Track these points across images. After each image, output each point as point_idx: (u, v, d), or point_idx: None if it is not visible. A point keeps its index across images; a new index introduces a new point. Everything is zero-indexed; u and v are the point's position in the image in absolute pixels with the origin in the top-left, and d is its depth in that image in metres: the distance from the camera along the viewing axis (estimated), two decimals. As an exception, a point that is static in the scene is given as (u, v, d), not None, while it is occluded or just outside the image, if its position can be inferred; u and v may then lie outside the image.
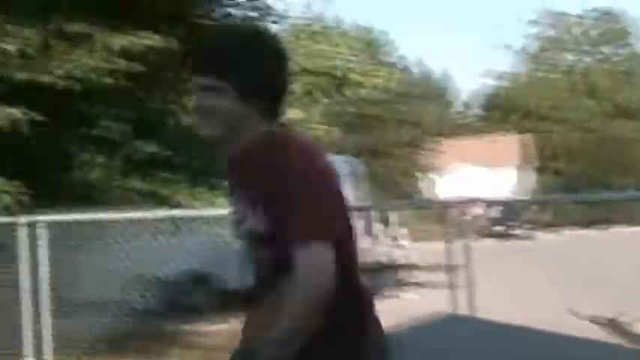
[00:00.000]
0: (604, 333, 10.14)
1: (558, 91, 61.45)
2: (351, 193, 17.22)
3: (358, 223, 17.61)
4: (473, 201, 29.79)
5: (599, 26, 64.50)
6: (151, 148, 10.27)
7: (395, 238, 19.36)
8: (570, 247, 26.58)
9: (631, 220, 40.96)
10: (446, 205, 9.44)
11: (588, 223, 42.14)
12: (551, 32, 65.92)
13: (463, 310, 8.49)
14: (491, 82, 70.68)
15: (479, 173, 53.69)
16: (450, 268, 8.85)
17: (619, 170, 53.42)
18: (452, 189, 39.27)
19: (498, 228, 40.33)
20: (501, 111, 65.80)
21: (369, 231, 18.51)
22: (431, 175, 44.26)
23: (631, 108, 58.82)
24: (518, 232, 39.42)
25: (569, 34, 65.49)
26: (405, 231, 21.49)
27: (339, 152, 20.62)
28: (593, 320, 10.95)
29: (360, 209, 17.52)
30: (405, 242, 20.41)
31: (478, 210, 42.73)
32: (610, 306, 12.29)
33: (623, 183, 50.53)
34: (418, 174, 42.12)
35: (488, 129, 62.35)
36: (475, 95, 75.22)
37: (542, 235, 39.24)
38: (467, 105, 77.55)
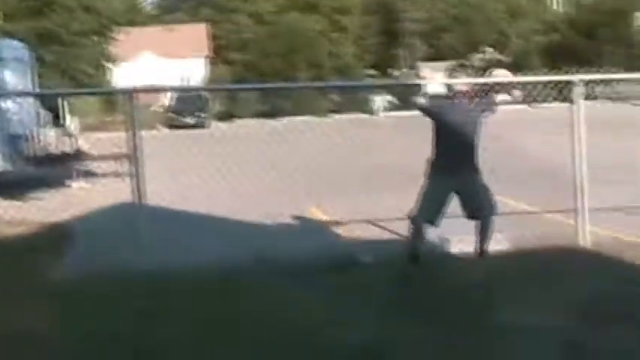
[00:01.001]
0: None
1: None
2: (20, 79, 16.50)
3: (30, 112, 16.87)
4: (151, 90, 29.55)
5: None
6: None
7: (69, 128, 18.71)
8: (245, 136, 27.01)
9: (302, 110, 42.27)
10: (125, 93, 9.02)
11: (262, 113, 42.96)
12: None
13: (137, 199, 8.31)
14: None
15: (162, 63, 53.21)
16: (126, 158, 8.64)
17: (301, 63, 54.78)
18: (134, 78, 38.54)
19: (176, 117, 40.34)
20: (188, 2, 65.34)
21: (45, 121, 17.81)
22: (113, 64, 43.26)
23: (314, 2, 60.00)
24: (194, 121, 39.59)
25: None
26: (78, 120, 20.85)
27: (8, 37, 19.48)
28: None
29: (30, 95, 16.79)
30: (78, 132, 19.79)
31: (161, 100, 42.55)
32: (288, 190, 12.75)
33: (303, 75, 52.04)
34: (101, 62, 41.01)
35: (173, 19, 61.69)
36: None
37: (218, 125, 39.56)
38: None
